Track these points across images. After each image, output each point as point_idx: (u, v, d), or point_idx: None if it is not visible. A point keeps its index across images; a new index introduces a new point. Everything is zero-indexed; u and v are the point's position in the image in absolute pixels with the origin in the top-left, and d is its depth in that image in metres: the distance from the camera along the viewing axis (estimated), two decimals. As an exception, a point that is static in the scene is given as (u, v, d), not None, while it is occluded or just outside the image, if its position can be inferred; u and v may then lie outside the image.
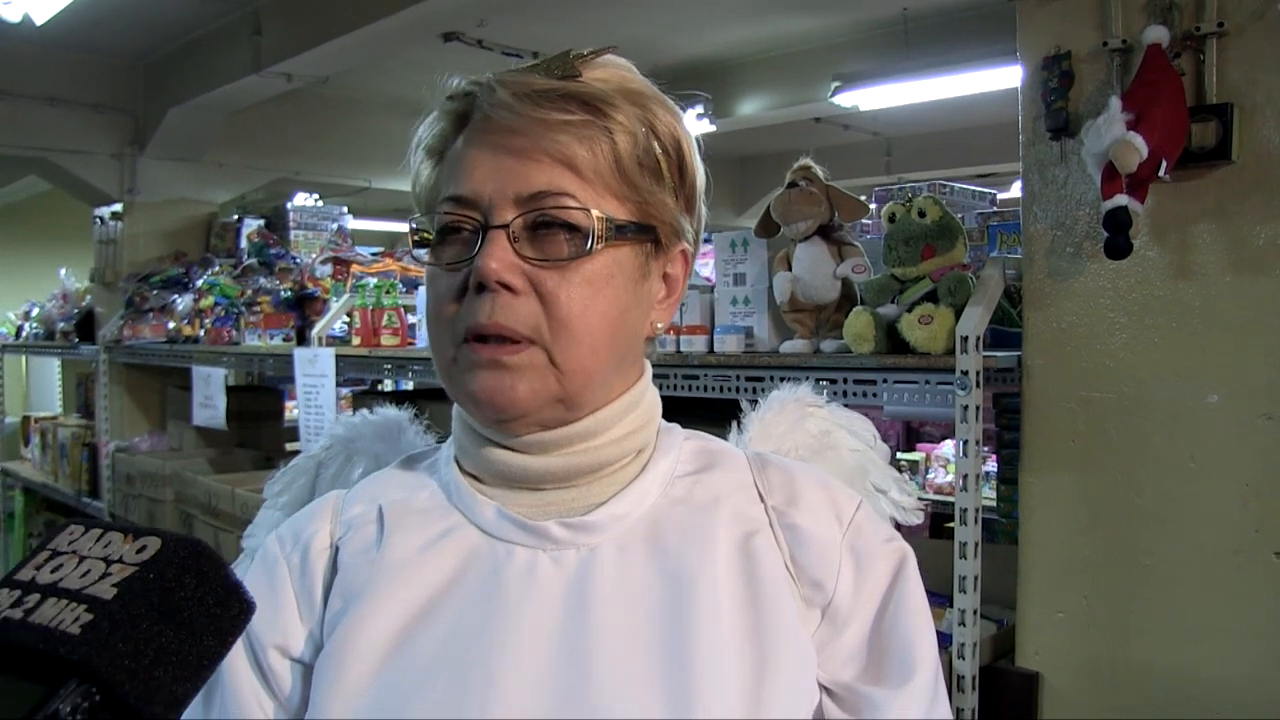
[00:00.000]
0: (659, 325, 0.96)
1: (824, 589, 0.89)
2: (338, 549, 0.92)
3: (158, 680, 0.53)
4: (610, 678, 0.81)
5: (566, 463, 0.90)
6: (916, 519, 1.22)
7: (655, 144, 0.89)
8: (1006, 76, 4.41)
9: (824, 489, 0.94)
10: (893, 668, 0.87)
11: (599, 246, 0.85)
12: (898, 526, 1.15)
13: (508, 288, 0.84)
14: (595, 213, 0.85)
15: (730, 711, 0.80)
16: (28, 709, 0.49)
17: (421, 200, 0.95)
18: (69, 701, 0.50)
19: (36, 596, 0.53)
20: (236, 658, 0.88)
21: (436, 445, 1.05)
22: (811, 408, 1.20)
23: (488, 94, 0.86)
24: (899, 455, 4.45)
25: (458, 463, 0.95)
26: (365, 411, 1.19)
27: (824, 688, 0.87)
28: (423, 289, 3.51)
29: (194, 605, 0.56)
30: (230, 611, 0.58)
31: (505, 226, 0.84)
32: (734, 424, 1.16)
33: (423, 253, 0.91)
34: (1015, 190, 6.69)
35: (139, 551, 0.56)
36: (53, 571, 0.55)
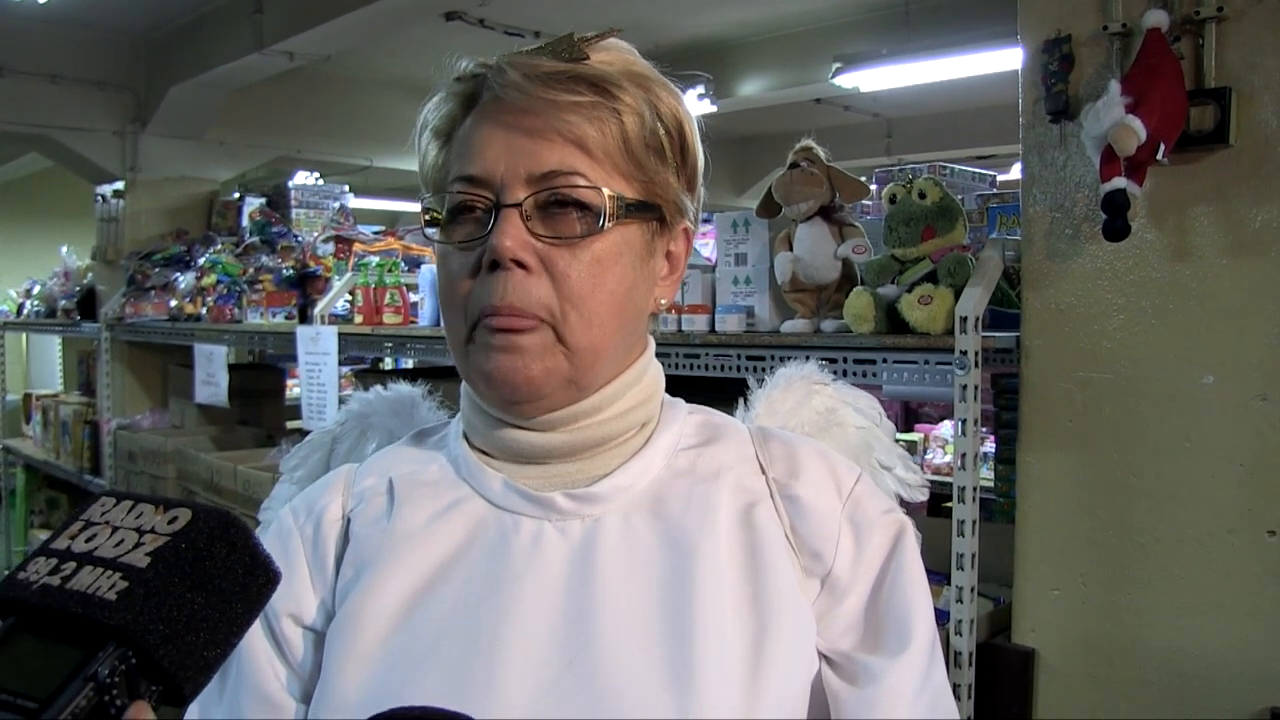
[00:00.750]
0: (662, 302, 0.98)
1: (823, 559, 0.91)
2: (349, 520, 0.94)
3: (190, 645, 0.55)
4: (614, 643, 0.83)
5: (573, 438, 0.92)
6: (922, 495, 1.23)
7: (659, 125, 0.91)
8: (1007, 59, 4.41)
9: (824, 461, 0.96)
10: (890, 636, 0.89)
11: (609, 224, 0.87)
12: (902, 503, 1.17)
13: (521, 265, 0.86)
14: (606, 191, 0.87)
15: (731, 676, 0.82)
16: (67, 672, 0.51)
17: (430, 181, 0.97)
18: (106, 664, 0.52)
19: (73, 565, 0.55)
20: (252, 626, 0.91)
21: (446, 421, 1.07)
22: (817, 385, 1.21)
23: (498, 75, 0.88)
24: (897, 436, 4.47)
25: (466, 438, 0.97)
26: (379, 388, 1.21)
27: (824, 656, 0.89)
28: (425, 267, 3.52)
29: (224, 574, 0.58)
30: (258, 580, 0.60)
31: (518, 205, 0.86)
32: (740, 400, 1.18)
33: (434, 232, 0.93)
34: (1015, 172, 6.68)
35: (170, 522, 0.58)
36: (87, 541, 0.57)
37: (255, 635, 0.90)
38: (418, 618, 0.86)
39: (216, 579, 0.57)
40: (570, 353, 0.87)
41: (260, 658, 0.90)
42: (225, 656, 0.58)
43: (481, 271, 0.87)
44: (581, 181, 0.87)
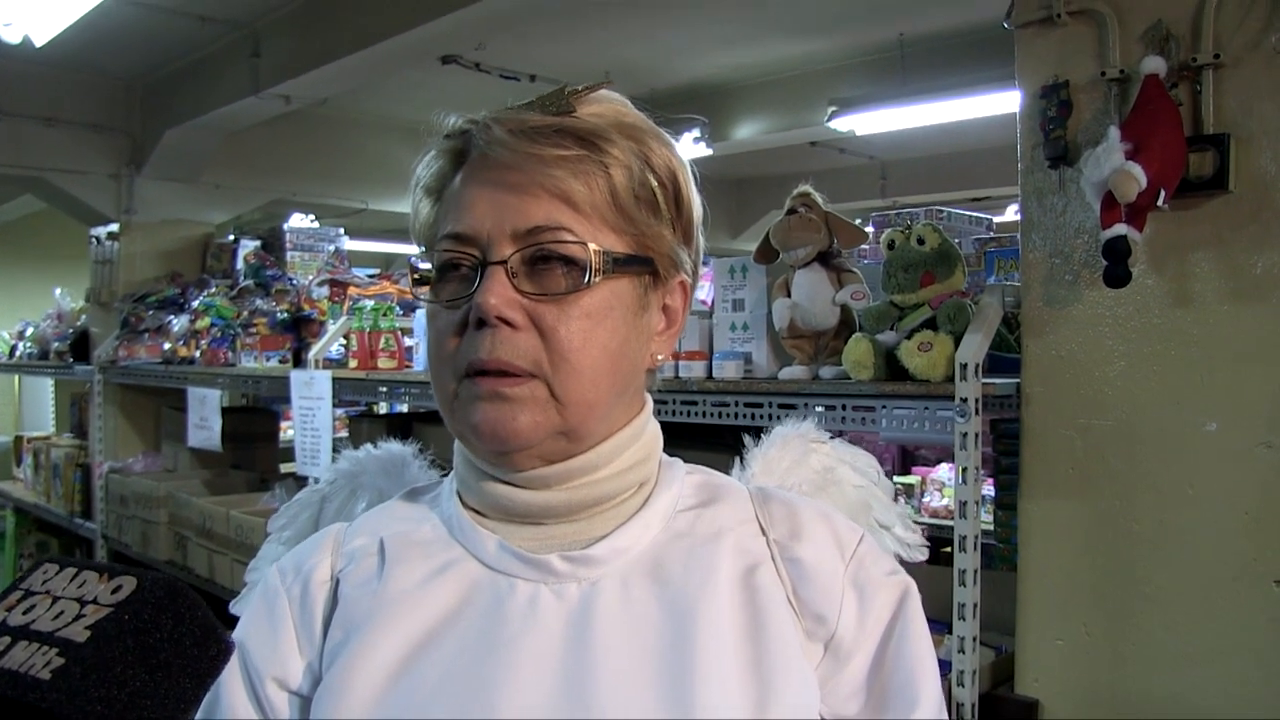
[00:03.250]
0: (659, 357, 0.96)
1: (827, 622, 0.89)
2: (338, 581, 0.92)
3: None
4: (612, 709, 0.80)
5: (569, 497, 0.90)
6: (921, 555, 1.22)
7: (651, 177, 0.90)
8: (1002, 101, 4.43)
9: (826, 522, 0.94)
10: (895, 701, 0.88)
11: (597, 279, 0.86)
12: (901, 561, 1.15)
13: (507, 323, 0.84)
14: (593, 246, 0.85)
15: None
16: None
17: (422, 238, 0.96)
18: None
19: (7, 640, 0.53)
20: (235, 688, 0.88)
21: (439, 480, 1.05)
22: (815, 443, 1.20)
23: (484, 132, 0.87)
24: (894, 479, 4.44)
25: (460, 497, 0.95)
26: (369, 446, 1.19)
27: None
28: (420, 311, 3.52)
29: (170, 647, 0.55)
30: (209, 652, 0.57)
31: (504, 262, 0.85)
32: (737, 459, 1.16)
33: (423, 291, 0.91)
34: (1010, 213, 6.72)
35: (114, 591, 0.55)
36: (25, 613, 0.54)
37: (239, 698, 0.88)
38: (409, 682, 0.84)
39: (162, 652, 0.54)
40: (562, 406, 0.86)
41: None
42: None
43: (469, 329, 0.86)
44: (568, 237, 0.85)
